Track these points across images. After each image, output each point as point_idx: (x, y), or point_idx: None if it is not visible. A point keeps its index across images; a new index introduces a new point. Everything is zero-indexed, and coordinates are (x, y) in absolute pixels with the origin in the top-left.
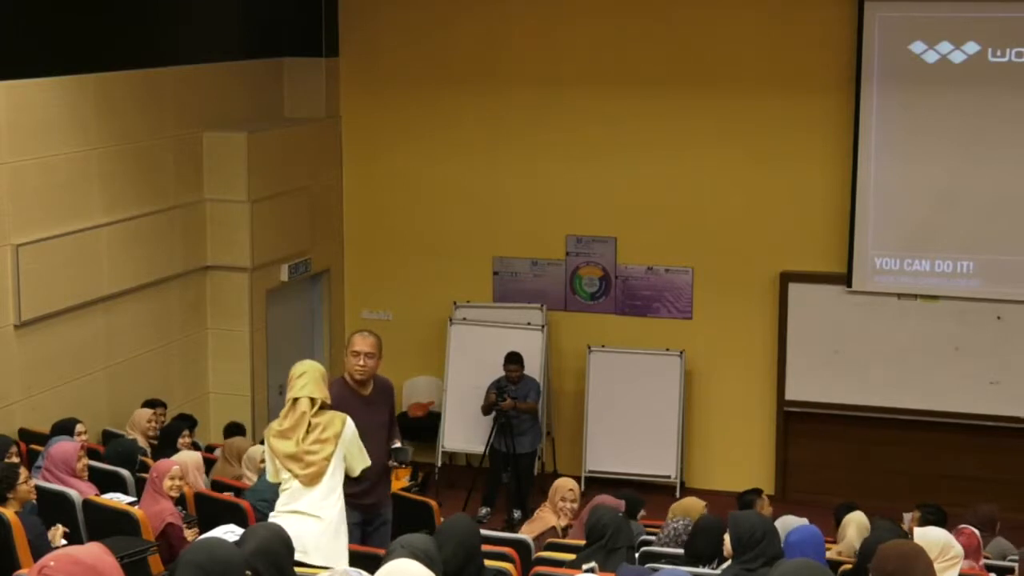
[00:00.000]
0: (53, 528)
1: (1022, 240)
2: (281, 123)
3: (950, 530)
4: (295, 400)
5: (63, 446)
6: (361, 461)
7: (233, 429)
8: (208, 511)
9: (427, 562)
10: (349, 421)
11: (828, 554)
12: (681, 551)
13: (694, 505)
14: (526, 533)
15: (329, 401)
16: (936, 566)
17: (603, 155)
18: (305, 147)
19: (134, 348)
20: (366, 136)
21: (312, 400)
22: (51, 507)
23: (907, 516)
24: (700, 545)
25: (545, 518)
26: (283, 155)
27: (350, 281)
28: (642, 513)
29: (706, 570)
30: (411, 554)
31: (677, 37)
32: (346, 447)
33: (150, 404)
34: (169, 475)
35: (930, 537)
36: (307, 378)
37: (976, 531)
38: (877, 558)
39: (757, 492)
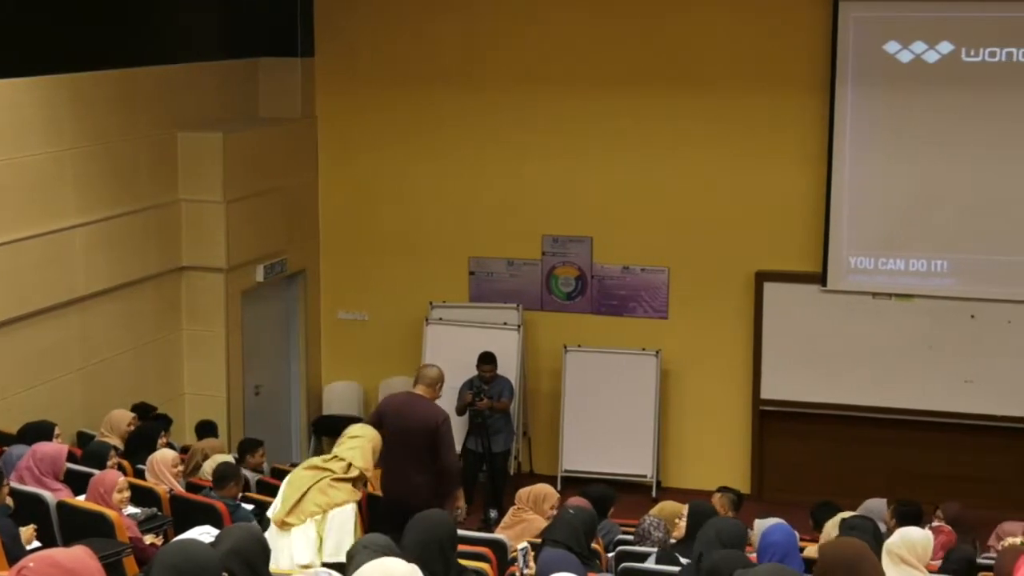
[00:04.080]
0: (24, 529)
1: (996, 239)
2: (256, 123)
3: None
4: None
5: (48, 448)
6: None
7: (205, 427)
8: (183, 512)
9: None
10: (350, 508)
11: (805, 552)
12: (653, 550)
13: (673, 507)
14: (514, 536)
15: (369, 474)
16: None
17: (579, 155)
18: (281, 147)
19: (109, 349)
20: (342, 136)
21: (349, 466)
22: (25, 509)
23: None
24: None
25: (534, 521)
26: (258, 155)
27: (326, 281)
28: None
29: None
30: (373, 553)
31: (653, 37)
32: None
33: (140, 409)
34: (116, 488)
35: (913, 538)
36: (359, 443)
37: (953, 530)
38: (821, 560)
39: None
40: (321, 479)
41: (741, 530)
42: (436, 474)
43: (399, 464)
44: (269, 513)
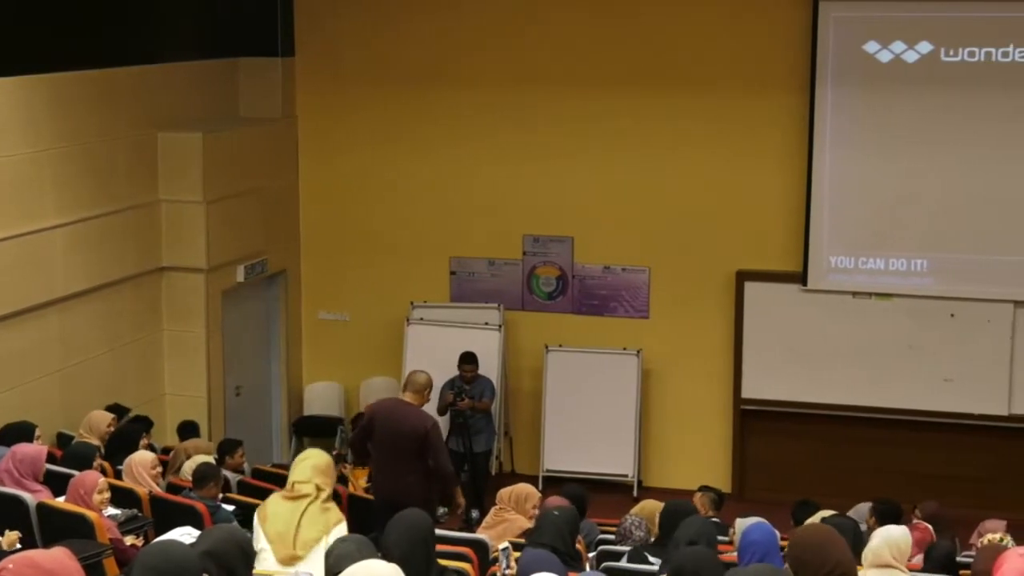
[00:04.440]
0: (8, 534)
1: (975, 238)
2: (237, 123)
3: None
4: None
5: (28, 450)
6: None
7: (187, 428)
8: (163, 513)
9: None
10: (344, 526)
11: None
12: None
13: (654, 506)
14: (496, 536)
15: (330, 491)
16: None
17: (560, 155)
18: (261, 148)
19: (88, 350)
20: (322, 136)
21: (317, 488)
22: (4, 511)
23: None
24: (671, 527)
25: (516, 520)
26: (239, 156)
27: (307, 282)
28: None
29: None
30: (350, 555)
31: (633, 38)
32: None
33: (114, 410)
34: (97, 489)
35: (892, 537)
36: (311, 463)
37: (930, 526)
38: (791, 545)
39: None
40: (307, 507)
41: (710, 529)
42: (426, 475)
43: (390, 466)
44: (260, 552)
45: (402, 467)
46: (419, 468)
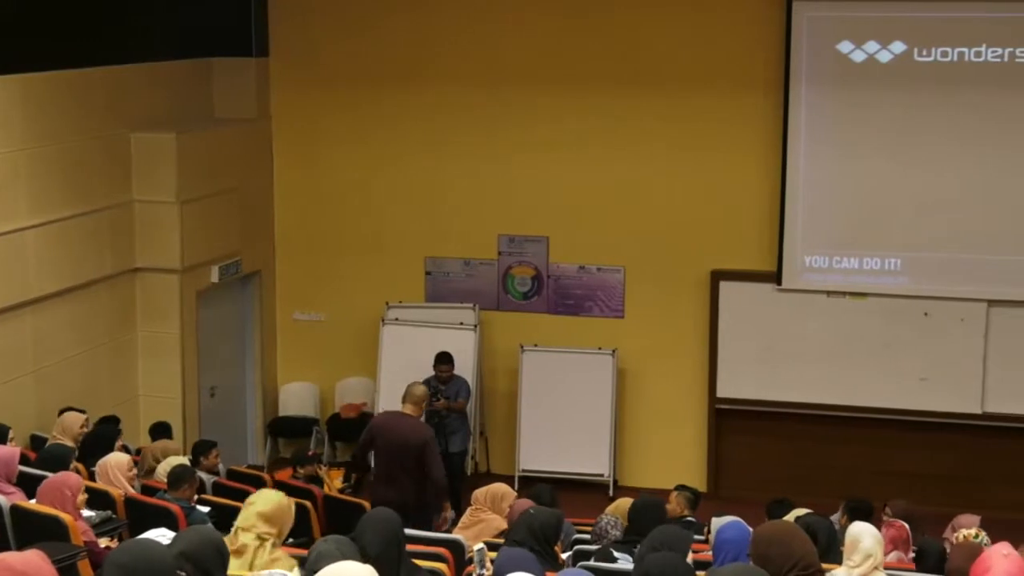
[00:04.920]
0: None
1: (948, 237)
2: (211, 124)
3: (876, 524)
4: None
5: (1, 451)
6: None
7: (159, 429)
8: (138, 515)
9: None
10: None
11: None
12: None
13: (628, 505)
14: (472, 536)
15: (284, 534)
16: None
17: (535, 155)
18: (235, 148)
19: (62, 351)
20: (297, 136)
21: (260, 538)
22: None
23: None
24: (642, 523)
25: (491, 521)
26: (213, 156)
27: (281, 282)
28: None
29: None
30: (332, 555)
31: (607, 37)
32: None
33: (70, 411)
34: (81, 491)
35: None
36: (254, 509)
37: (905, 524)
38: (754, 543)
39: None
40: (252, 561)
41: (680, 535)
42: (424, 483)
43: (390, 473)
44: None
45: (401, 476)
46: (417, 477)
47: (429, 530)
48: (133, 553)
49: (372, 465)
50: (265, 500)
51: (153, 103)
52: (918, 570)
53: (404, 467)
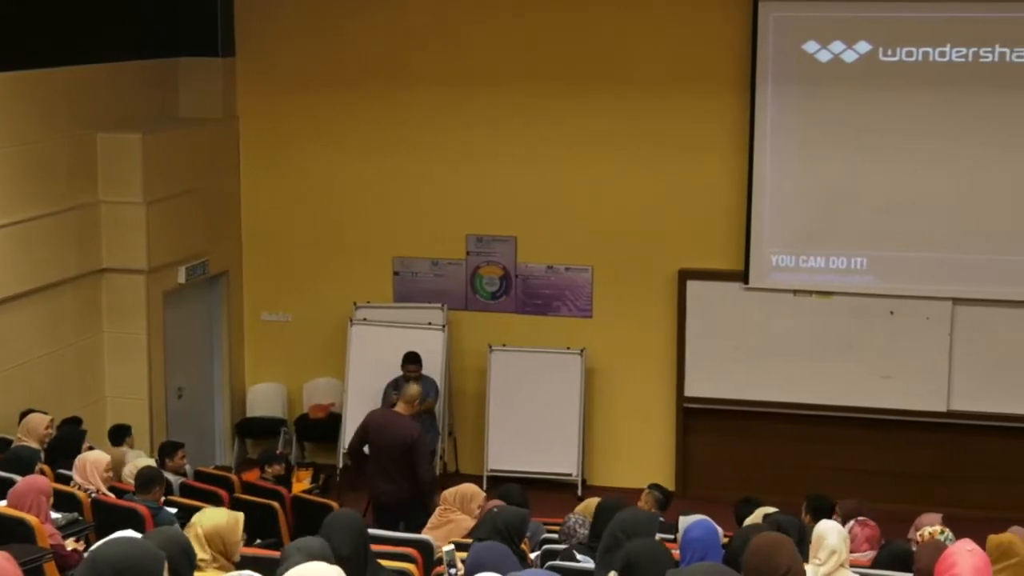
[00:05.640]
0: None
1: (913, 237)
2: (177, 124)
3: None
4: None
5: None
6: None
7: (118, 431)
8: (105, 517)
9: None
10: None
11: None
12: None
13: (594, 505)
14: (442, 536)
15: (222, 559)
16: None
17: (503, 155)
18: (202, 148)
19: (28, 352)
20: (264, 136)
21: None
22: None
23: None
24: (605, 525)
25: (460, 521)
26: (179, 156)
27: (249, 283)
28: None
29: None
30: (308, 557)
31: (575, 37)
32: None
33: (33, 413)
34: (51, 494)
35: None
36: (192, 532)
37: (876, 525)
38: (746, 555)
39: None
40: None
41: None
42: (414, 479)
43: (382, 470)
44: None
45: (393, 472)
46: (407, 474)
47: (422, 528)
48: (120, 548)
49: (361, 460)
50: (206, 518)
51: (119, 103)
52: (875, 564)
53: (393, 464)
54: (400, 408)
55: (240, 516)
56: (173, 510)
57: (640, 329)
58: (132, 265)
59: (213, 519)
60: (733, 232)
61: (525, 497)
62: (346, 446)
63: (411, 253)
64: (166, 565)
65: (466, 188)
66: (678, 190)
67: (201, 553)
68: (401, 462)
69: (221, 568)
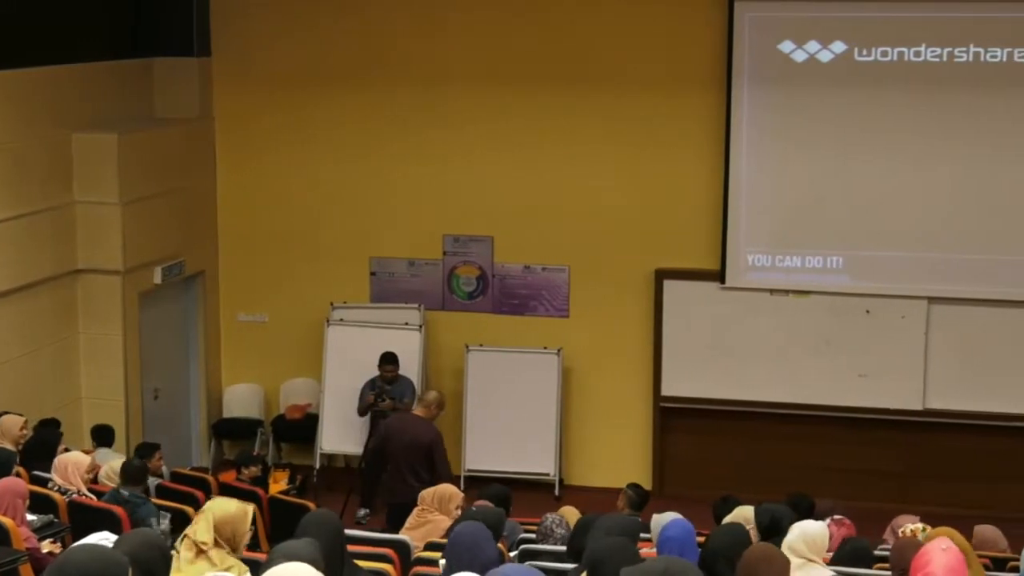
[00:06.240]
0: None
1: (890, 235)
2: (153, 124)
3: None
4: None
5: None
6: None
7: (102, 432)
8: (80, 519)
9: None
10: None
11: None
12: (553, 547)
13: (572, 514)
14: (420, 537)
15: (208, 545)
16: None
17: (479, 155)
18: (178, 148)
19: (3, 354)
20: (240, 136)
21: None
22: None
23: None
24: (580, 542)
25: (438, 522)
26: (155, 156)
27: (225, 283)
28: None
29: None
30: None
31: (551, 36)
32: None
33: (7, 415)
34: (27, 497)
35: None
36: (204, 516)
37: (851, 523)
38: (740, 564)
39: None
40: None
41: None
42: (432, 481)
43: (401, 473)
44: None
45: (410, 474)
46: (423, 475)
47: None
48: (82, 560)
49: (370, 470)
50: (216, 507)
51: (94, 103)
52: (833, 561)
53: (412, 466)
54: (419, 412)
55: (251, 508)
56: None
57: (617, 329)
58: (108, 266)
59: (226, 507)
60: (710, 232)
61: (509, 498)
62: (323, 447)
63: (388, 253)
64: (130, 572)
65: (443, 188)
66: (655, 190)
67: (205, 537)
68: (418, 464)
69: (228, 555)
